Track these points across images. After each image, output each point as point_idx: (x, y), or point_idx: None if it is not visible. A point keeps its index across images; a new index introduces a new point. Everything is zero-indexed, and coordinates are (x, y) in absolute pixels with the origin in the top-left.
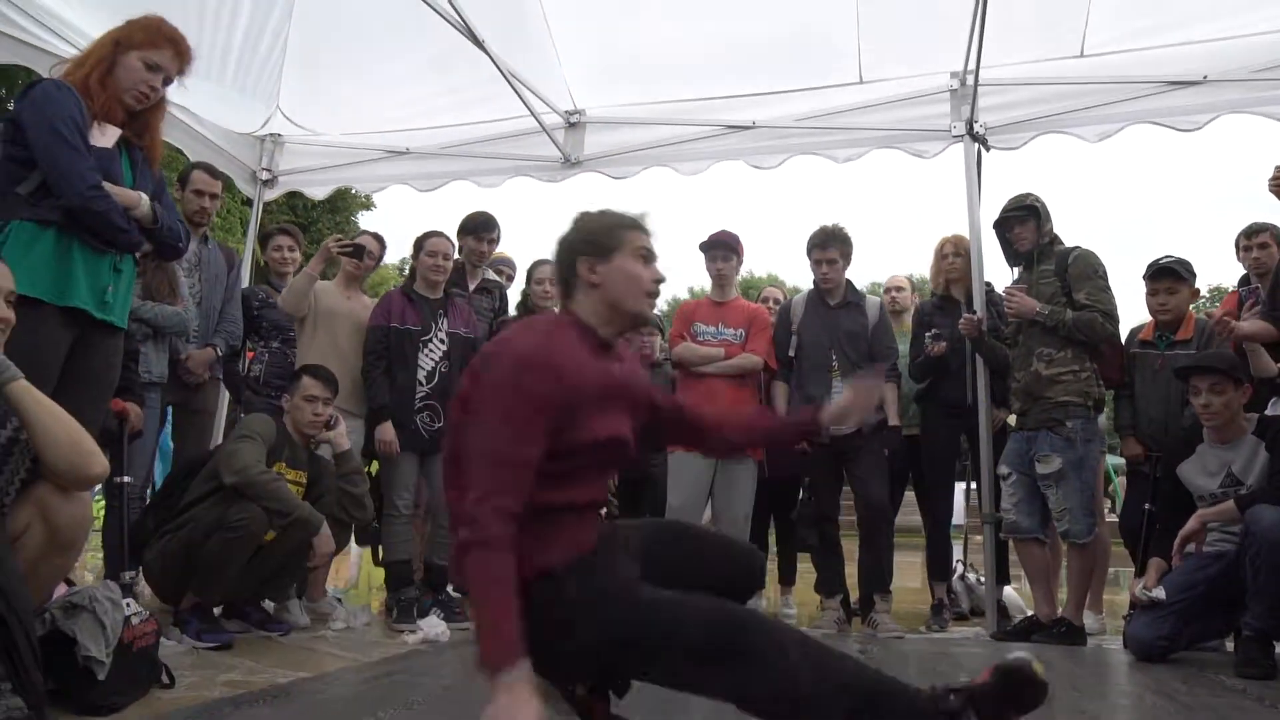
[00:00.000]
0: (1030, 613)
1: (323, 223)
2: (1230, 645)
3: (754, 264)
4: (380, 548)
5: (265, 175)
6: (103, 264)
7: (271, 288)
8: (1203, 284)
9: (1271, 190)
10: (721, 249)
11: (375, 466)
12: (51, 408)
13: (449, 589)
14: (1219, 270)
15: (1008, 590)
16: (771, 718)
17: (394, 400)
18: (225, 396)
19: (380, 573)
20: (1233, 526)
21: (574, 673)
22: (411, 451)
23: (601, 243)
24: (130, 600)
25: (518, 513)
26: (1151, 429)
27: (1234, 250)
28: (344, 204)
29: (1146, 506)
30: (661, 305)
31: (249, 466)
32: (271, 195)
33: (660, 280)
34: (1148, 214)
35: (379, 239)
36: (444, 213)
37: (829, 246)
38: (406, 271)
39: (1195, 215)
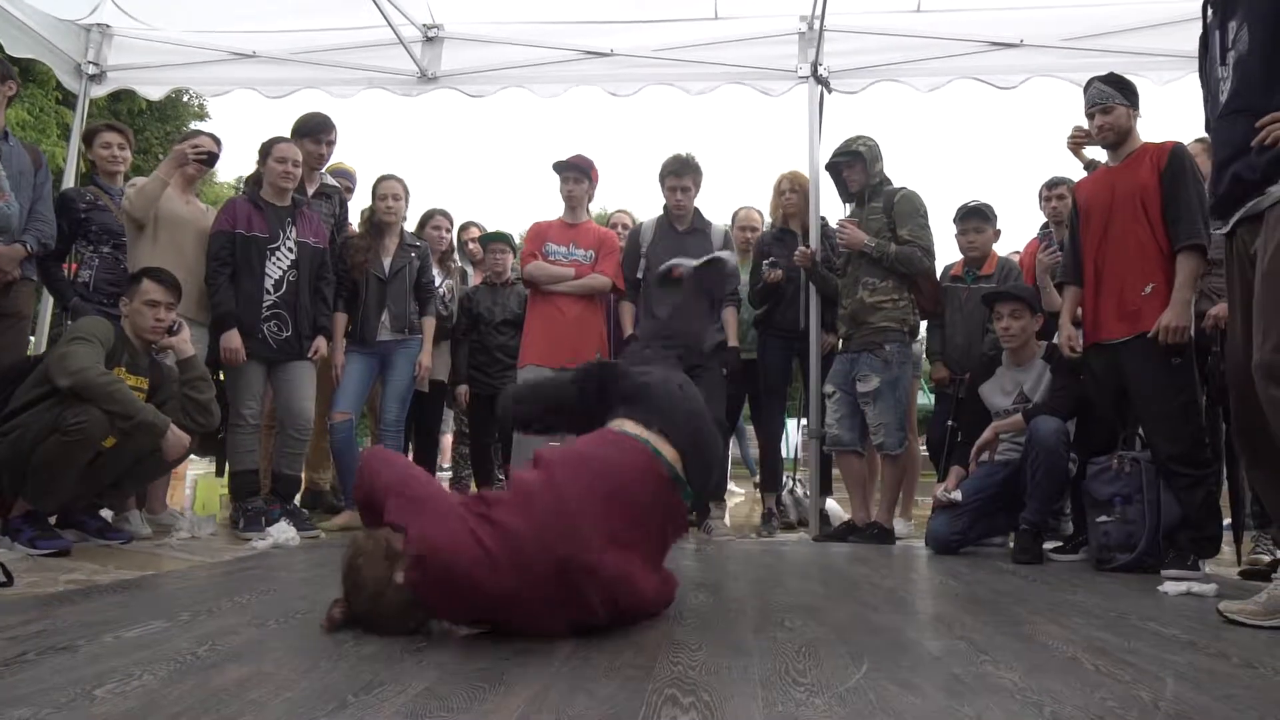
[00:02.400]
0: (848, 518)
1: (150, 131)
2: (1011, 542)
3: (606, 196)
4: (226, 459)
5: (92, 69)
6: None
7: (99, 188)
8: (1004, 226)
9: (1069, 147)
10: (574, 171)
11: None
12: None
13: (295, 500)
14: (1020, 216)
15: (830, 501)
16: None
17: (240, 308)
18: (46, 303)
19: (214, 499)
20: (1020, 437)
21: None
22: (258, 360)
23: None
24: None
25: None
26: (957, 355)
27: (1036, 199)
28: (175, 111)
29: (949, 422)
30: (517, 227)
31: (86, 368)
32: (99, 92)
33: None
34: (968, 161)
35: (217, 141)
36: (286, 124)
37: (683, 174)
38: (242, 184)
39: (1006, 166)
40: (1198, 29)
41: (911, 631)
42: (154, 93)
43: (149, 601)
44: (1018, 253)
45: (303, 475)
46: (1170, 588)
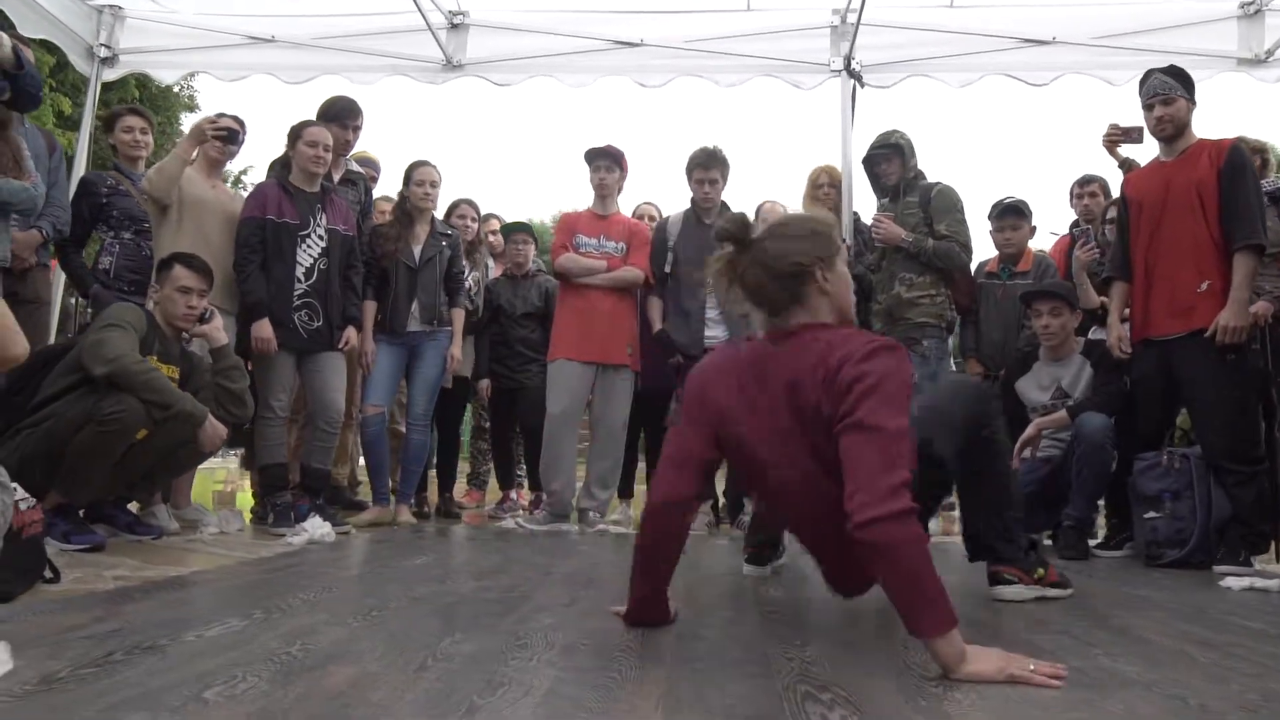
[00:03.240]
0: None
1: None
2: (1047, 540)
3: (635, 189)
4: (254, 451)
5: (104, 52)
6: None
7: (120, 173)
8: (1037, 223)
9: (1104, 145)
10: (606, 159)
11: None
12: None
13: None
14: (1053, 213)
15: None
16: None
17: (271, 297)
18: (59, 289)
19: (206, 496)
20: (1061, 434)
21: None
22: (288, 351)
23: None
24: (17, 485)
25: None
26: (992, 351)
27: (1068, 197)
28: (165, 103)
29: None
30: (544, 217)
31: (123, 355)
32: (111, 75)
33: None
34: (999, 157)
35: (241, 123)
36: (306, 110)
37: (711, 167)
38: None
39: (1038, 162)
40: (1229, 28)
41: (1007, 626)
42: (168, 76)
43: (213, 598)
44: (1043, 251)
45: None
46: (1233, 583)
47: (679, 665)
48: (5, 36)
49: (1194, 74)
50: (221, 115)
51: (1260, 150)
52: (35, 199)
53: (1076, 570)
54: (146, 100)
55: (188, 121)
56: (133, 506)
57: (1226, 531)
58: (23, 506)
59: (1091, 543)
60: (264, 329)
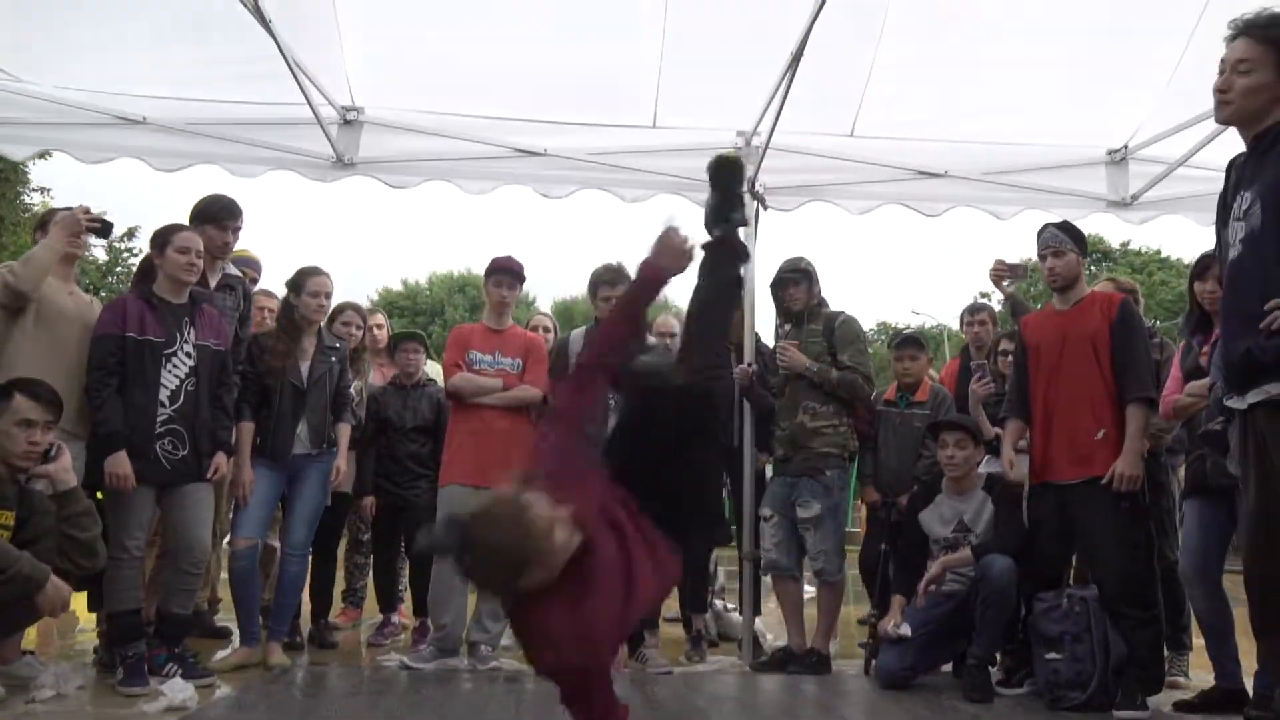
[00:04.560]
0: (781, 643)
1: None
2: (945, 668)
3: (537, 298)
4: (100, 595)
5: None
6: None
7: None
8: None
9: (991, 279)
10: (509, 276)
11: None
12: None
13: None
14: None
15: (758, 621)
16: None
17: (130, 425)
18: None
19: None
20: (963, 570)
21: None
22: (148, 485)
23: None
24: None
25: None
26: (889, 478)
27: (959, 323)
28: (14, 175)
29: (883, 546)
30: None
31: None
32: None
33: None
34: (895, 285)
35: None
36: (174, 201)
37: (616, 284)
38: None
39: (934, 287)
40: (1098, 172)
41: None
42: (19, 152)
43: None
44: (939, 383)
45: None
46: None
47: None
48: None
49: (1070, 213)
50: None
51: (1131, 291)
52: None
53: (985, 714)
54: None
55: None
56: None
57: (1124, 674)
58: None
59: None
60: (120, 464)
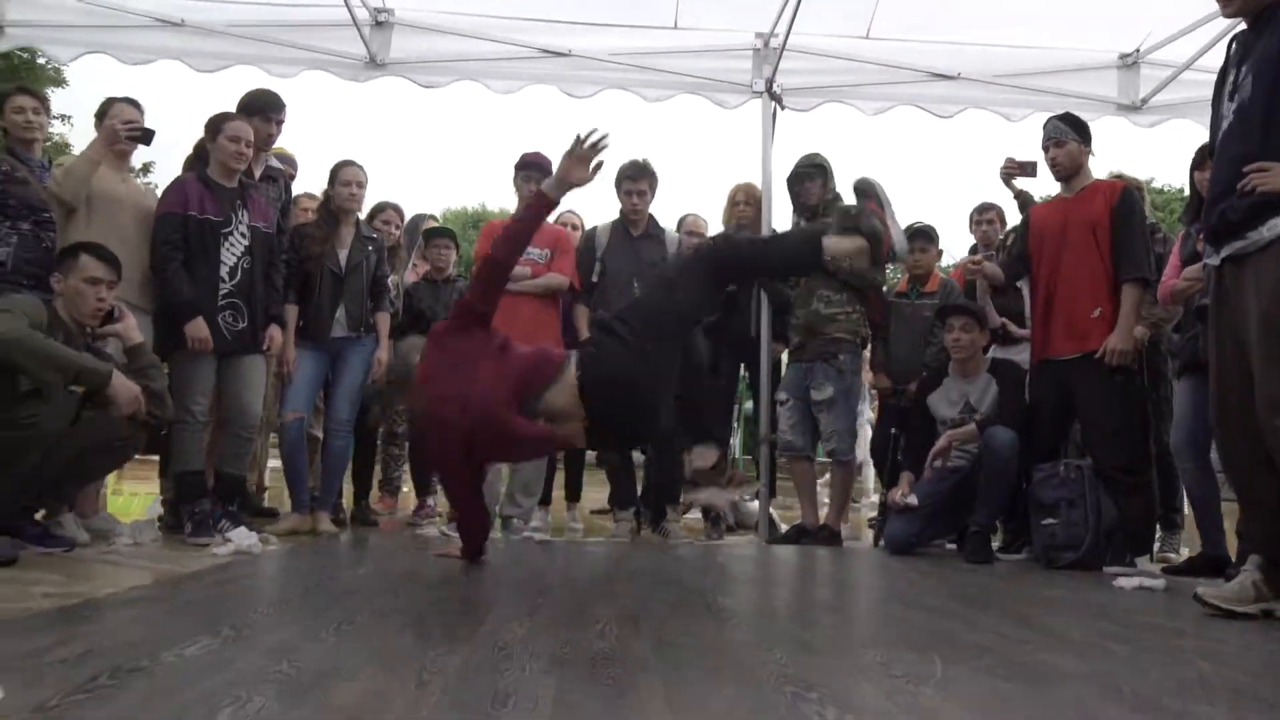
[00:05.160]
0: (790, 524)
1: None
2: (949, 545)
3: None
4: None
5: None
6: None
7: (15, 158)
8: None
9: (1001, 177)
10: (536, 170)
11: None
12: None
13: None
14: (955, 237)
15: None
16: None
17: (196, 296)
18: None
19: (123, 503)
20: (968, 445)
21: None
22: (211, 353)
23: None
24: None
25: None
26: (899, 366)
27: (968, 223)
28: (30, 76)
29: (893, 430)
30: (449, 214)
31: (9, 330)
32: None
33: None
34: (908, 183)
35: (139, 107)
36: (215, 101)
37: (640, 179)
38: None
39: (944, 188)
40: (1110, 76)
41: (943, 626)
42: (63, 54)
43: (169, 615)
44: (948, 273)
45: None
46: (1125, 583)
47: (666, 672)
48: None
49: (1081, 116)
50: (117, 101)
51: (1138, 188)
52: None
53: (984, 575)
54: (5, 72)
55: (57, 99)
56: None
57: (1114, 535)
58: None
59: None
60: (199, 328)
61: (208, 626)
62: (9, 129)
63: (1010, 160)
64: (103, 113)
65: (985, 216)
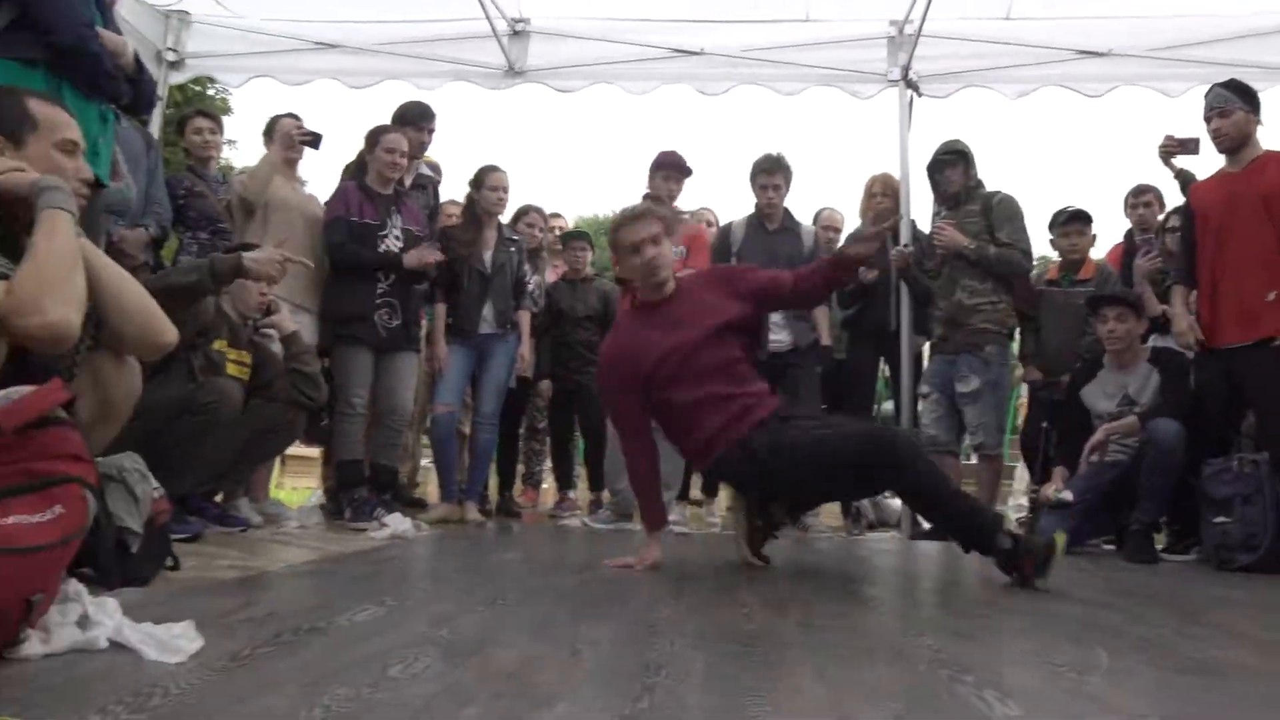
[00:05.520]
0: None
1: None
2: (1105, 545)
3: (694, 195)
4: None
5: (172, 56)
6: (90, 112)
7: (195, 174)
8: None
9: (1160, 156)
10: (675, 170)
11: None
12: (119, 271)
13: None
14: (1107, 223)
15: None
16: None
17: (355, 295)
18: None
19: (285, 496)
20: (1128, 440)
21: None
22: (368, 349)
23: None
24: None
25: None
26: (1051, 357)
27: (1123, 207)
28: (202, 105)
29: (1044, 424)
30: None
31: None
32: (179, 79)
33: None
34: (1055, 168)
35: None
36: (369, 115)
37: (775, 173)
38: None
39: (1093, 172)
40: None
41: (1107, 621)
42: (233, 80)
43: (339, 586)
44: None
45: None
46: None
47: (815, 650)
48: (129, 43)
49: (1253, 86)
50: (288, 116)
51: None
52: (128, 199)
53: (1147, 574)
54: (188, 102)
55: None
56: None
57: None
58: (156, 495)
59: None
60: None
61: (372, 597)
62: (189, 148)
63: (1170, 137)
64: (270, 129)
65: (1142, 199)
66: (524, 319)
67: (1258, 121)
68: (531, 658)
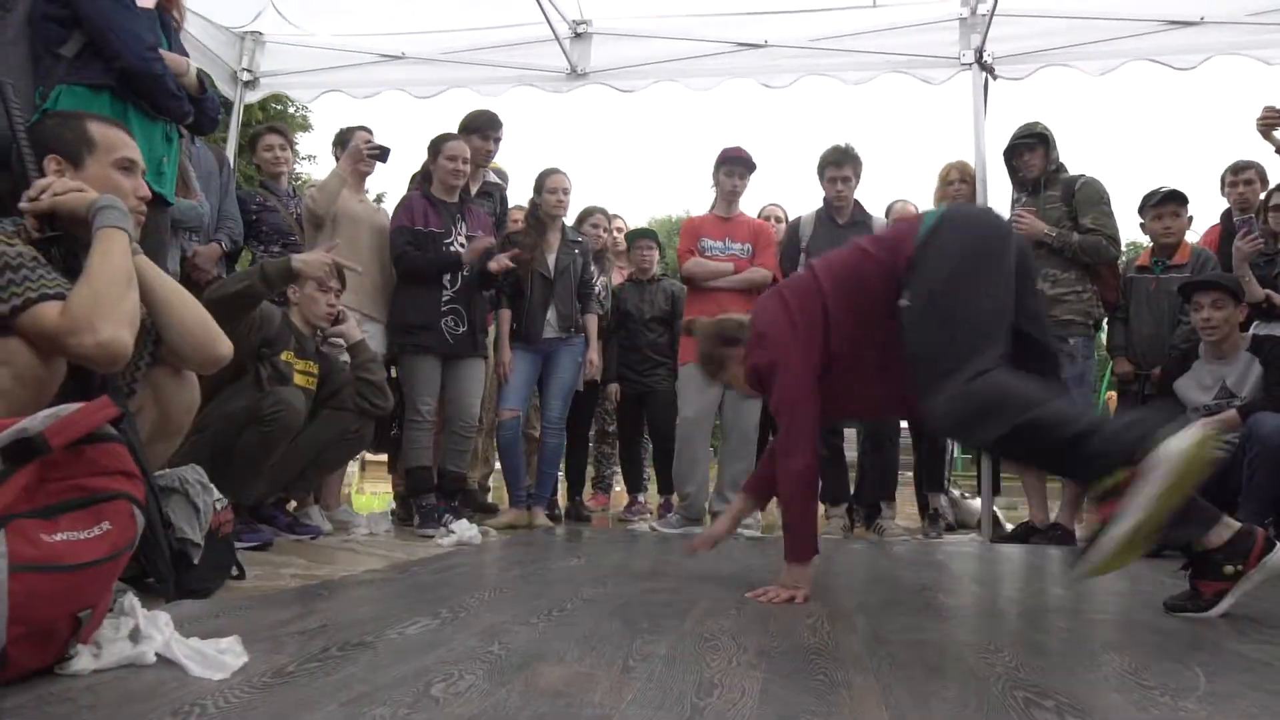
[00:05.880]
0: (1014, 524)
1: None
2: None
3: (761, 190)
4: (399, 455)
5: (246, 76)
6: (155, 132)
7: (266, 190)
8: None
9: (1259, 129)
10: (741, 165)
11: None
12: (175, 287)
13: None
14: (1202, 204)
15: (975, 502)
16: None
17: (420, 303)
18: None
19: (364, 501)
20: (1227, 435)
21: None
22: (435, 356)
23: None
24: (213, 485)
25: None
26: (1143, 348)
27: (1219, 186)
28: (284, 123)
29: None
30: (653, 221)
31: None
32: (253, 97)
33: None
34: (1142, 147)
35: (370, 132)
36: (435, 124)
37: (844, 164)
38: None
39: (1185, 151)
40: None
41: (1203, 634)
42: (304, 96)
43: (395, 597)
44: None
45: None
46: None
47: (882, 669)
48: (192, 63)
49: None
50: (361, 129)
51: None
52: (202, 216)
53: None
54: (265, 120)
55: (304, 141)
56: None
57: None
58: (218, 507)
59: None
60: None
61: (428, 609)
62: (260, 164)
63: (1270, 108)
64: (341, 140)
65: (1242, 177)
66: (590, 322)
67: None
68: (580, 675)
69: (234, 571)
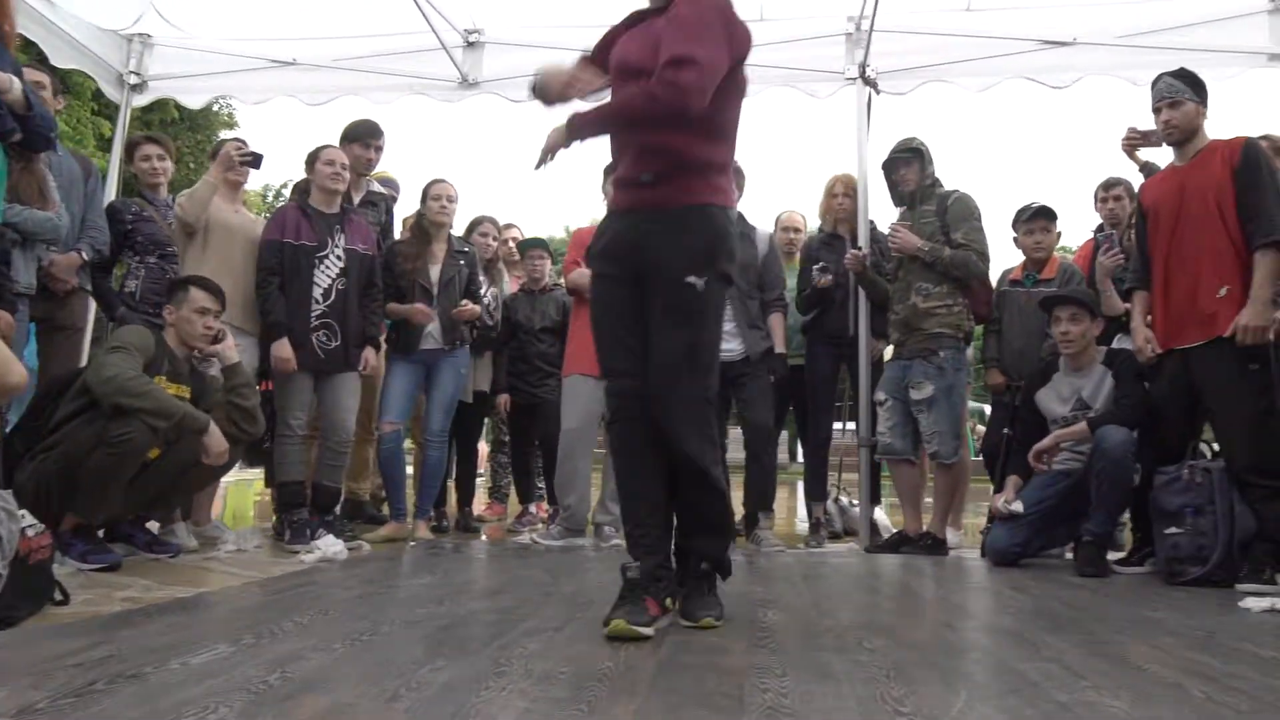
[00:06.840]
0: (897, 529)
1: (182, 140)
2: (1068, 555)
3: None
4: (273, 469)
5: (134, 79)
6: None
7: (144, 199)
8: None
9: (1123, 149)
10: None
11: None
12: None
13: (335, 511)
14: (1076, 219)
15: (878, 511)
16: None
17: (290, 318)
18: (92, 313)
19: (247, 506)
20: (1081, 446)
21: None
22: (306, 371)
23: None
24: (25, 511)
25: None
26: (1014, 361)
27: (1092, 201)
28: (206, 121)
29: (1005, 431)
30: (555, 232)
31: (118, 374)
32: (140, 101)
33: None
34: (1019, 162)
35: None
36: (326, 132)
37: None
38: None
39: (1060, 166)
40: (1259, 23)
41: (998, 653)
42: (194, 101)
43: (208, 622)
44: (1068, 257)
45: (343, 486)
46: (1253, 604)
47: (653, 696)
48: (16, 80)
49: (1222, 71)
50: (237, 140)
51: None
52: (59, 228)
53: (1093, 588)
54: (186, 119)
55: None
56: (153, 525)
57: (1251, 548)
58: (30, 533)
59: (1114, 557)
60: (283, 349)
61: (234, 635)
62: (138, 174)
63: (1132, 130)
64: (215, 151)
65: (1112, 193)
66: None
67: (1205, 113)
68: (340, 706)
69: (56, 596)
